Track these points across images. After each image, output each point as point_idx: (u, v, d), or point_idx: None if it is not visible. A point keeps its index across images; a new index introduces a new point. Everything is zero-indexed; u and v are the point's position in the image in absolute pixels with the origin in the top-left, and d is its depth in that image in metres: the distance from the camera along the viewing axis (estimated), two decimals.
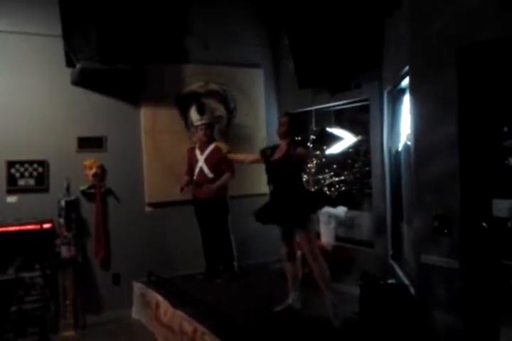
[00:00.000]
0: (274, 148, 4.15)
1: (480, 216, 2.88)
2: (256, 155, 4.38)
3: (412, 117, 3.35)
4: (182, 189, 4.97)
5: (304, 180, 5.44)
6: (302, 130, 4.19)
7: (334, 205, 5.15)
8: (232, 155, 4.92)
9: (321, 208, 4.38)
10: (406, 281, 3.87)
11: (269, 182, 4.06)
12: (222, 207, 5.01)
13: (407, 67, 3.52)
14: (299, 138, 5.74)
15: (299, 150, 3.90)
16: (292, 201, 3.86)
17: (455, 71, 2.98)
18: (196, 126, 5.14)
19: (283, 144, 4.04)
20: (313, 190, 5.38)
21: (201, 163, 5.03)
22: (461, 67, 2.96)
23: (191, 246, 5.32)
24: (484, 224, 2.84)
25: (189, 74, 5.63)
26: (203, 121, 5.07)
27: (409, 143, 3.78)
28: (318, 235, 5.31)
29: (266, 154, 4.14)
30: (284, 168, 3.92)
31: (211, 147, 5.05)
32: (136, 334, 4.68)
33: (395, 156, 4.57)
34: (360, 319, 3.51)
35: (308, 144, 5.54)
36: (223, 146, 5.05)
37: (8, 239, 4.53)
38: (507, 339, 2.74)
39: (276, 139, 4.24)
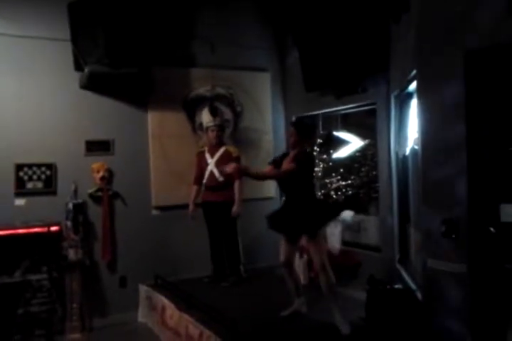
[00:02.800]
0: (283, 156, 4.08)
1: (487, 221, 2.87)
2: (268, 169, 4.08)
3: (420, 121, 3.34)
4: (193, 217, 5.06)
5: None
6: (313, 134, 4.09)
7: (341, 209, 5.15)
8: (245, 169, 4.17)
9: (333, 219, 4.31)
10: (413, 286, 3.85)
11: (281, 191, 4.05)
12: (231, 210, 4.99)
13: (414, 71, 3.52)
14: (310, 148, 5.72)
15: (299, 156, 3.84)
16: (305, 211, 3.81)
17: (463, 75, 2.98)
18: (207, 128, 5.13)
19: (292, 153, 3.99)
20: (321, 196, 5.37)
21: (211, 166, 5.03)
22: (469, 72, 2.96)
23: (198, 249, 5.32)
24: (492, 229, 2.83)
25: (196, 78, 5.64)
26: (216, 122, 5.08)
27: (416, 147, 3.77)
28: (324, 239, 5.32)
29: (277, 163, 4.03)
30: (293, 177, 3.88)
31: (221, 150, 5.06)
32: (142, 338, 4.68)
33: (402, 160, 4.56)
34: (367, 324, 3.50)
35: (315, 148, 5.55)
36: (233, 150, 5.05)
37: (16, 242, 4.54)
38: None
39: (282, 145, 4.22)
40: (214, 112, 5.12)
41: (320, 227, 3.88)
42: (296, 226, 3.83)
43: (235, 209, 4.88)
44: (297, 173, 3.78)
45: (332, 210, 4.27)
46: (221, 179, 4.96)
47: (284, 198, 4.07)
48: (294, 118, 5.39)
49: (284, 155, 4.10)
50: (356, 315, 3.69)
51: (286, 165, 3.84)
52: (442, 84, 3.12)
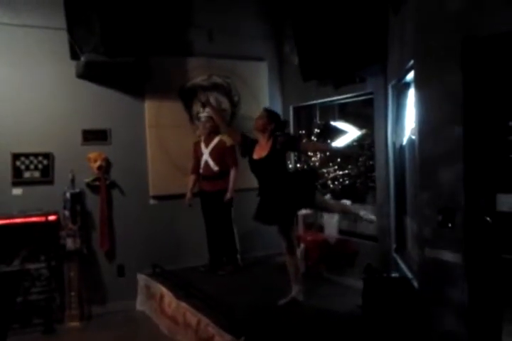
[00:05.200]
0: (253, 142, 4.13)
1: (484, 210, 2.88)
2: (237, 135, 4.31)
3: (417, 111, 3.35)
4: (190, 205, 5.09)
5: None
6: (280, 125, 4.13)
7: (338, 198, 5.17)
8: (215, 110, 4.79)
9: (307, 207, 4.60)
10: (409, 275, 3.89)
11: (258, 180, 4.08)
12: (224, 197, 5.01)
13: (412, 61, 3.51)
14: (302, 132, 5.79)
15: (281, 139, 3.93)
16: (289, 190, 3.92)
17: (460, 65, 2.97)
18: (200, 118, 5.19)
19: (262, 140, 4.04)
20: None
21: (206, 156, 5.05)
22: (467, 61, 2.96)
23: (195, 238, 5.36)
24: (488, 219, 2.85)
25: (193, 67, 5.62)
26: (206, 113, 5.10)
27: (413, 137, 3.78)
28: (321, 228, 5.36)
29: (246, 143, 4.15)
30: (272, 165, 3.96)
31: (216, 140, 5.06)
32: (141, 326, 4.72)
33: (399, 150, 4.57)
34: (363, 312, 3.54)
35: (312, 138, 5.56)
36: (227, 140, 5.06)
37: (14, 231, 4.57)
38: (509, 334, 2.76)
39: None
40: (206, 103, 5.13)
41: (293, 215, 4.18)
42: (274, 215, 3.96)
43: (227, 195, 4.91)
44: (277, 159, 3.95)
45: (309, 177, 4.34)
46: (216, 169, 4.98)
47: (262, 189, 4.07)
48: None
49: (253, 142, 4.12)
50: (353, 303, 3.73)
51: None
52: (440, 74, 3.12)
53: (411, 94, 3.97)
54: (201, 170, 5.10)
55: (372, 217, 4.48)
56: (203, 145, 5.11)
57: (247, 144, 4.14)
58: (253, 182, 5.27)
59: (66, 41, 4.80)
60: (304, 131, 5.91)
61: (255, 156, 4.03)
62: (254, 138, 4.16)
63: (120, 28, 4.59)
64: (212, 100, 5.22)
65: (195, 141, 5.26)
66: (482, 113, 2.93)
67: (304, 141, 5.49)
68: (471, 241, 2.94)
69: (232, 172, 4.97)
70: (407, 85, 4.19)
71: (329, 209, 4.57)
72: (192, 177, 5.18)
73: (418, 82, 3.38)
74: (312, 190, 4.10)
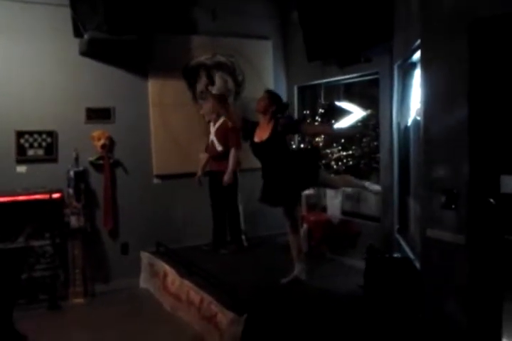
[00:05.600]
0: (253, 125, 4.11)
1: (488, 192, 2.88)
2: (238, 119, 4.28)
3: (423, 91, 3.31)
4: (200, 182, 5.06)
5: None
6: (282, 110, 4.12)
7: None
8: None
9: (312, 186, 4.64)
10: (411, 255, 3.91)
11: (261, 162, 4.09)
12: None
13: (418, 41, 3.46)
14: (307, 112, 5.76)
15: (282, 121, 3.93)
16: (292, 170, 3.93)
17: (467, 45, 2.93)
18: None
19: (263, 122, 4.02)
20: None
21: (212, 135, 5.06)
22: (473, 41, 2.91)
23: (198, 217, 5.39)
24: (492, 200, 2.85)
25: (196, 45, 5.56)
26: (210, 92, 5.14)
27: (418, 118, 3.76)
28: (324, 209, 5.37)
29: (247, 127, 4.13)
30: (274, 147, 3.95)
31: (221, 120, 5.04)
32: (144, 303, 4.77)
33: (404, 131, 4.55)
34: (365, 292, 3.57)
35: (317, 118, 5.52)
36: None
37: (19, 208, 4.59)
38: (511, 314, 2.78)
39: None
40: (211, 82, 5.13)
41: (298, 195, 4.22)
42: (279, 196, 3.97)
43: (225, 178, 4.88)
44: (279, 141, 3.94)
45: (312, 156, 4.37)
46: (220, 149, 4.98)
47: (265, 171, 4.07)
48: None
49: (253, 124, 4.11)
50: (355, 283, 3.76)
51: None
52: (446, 54, 3.08)
53: (417, 75, 3.93)
54: (208, 150, 5.12)
55: (377, 187, 4.51)
56: (211, 125, 5.12)
57: (248, 128, 4.13)
58: (257, 162, 5.27)
59: (69, 18, 4.75)
60: (308, 111, 5.88)
61: (256, 139, 4.03)
62: (256, 120, 4.14)
63: (124, 5, 4.53)
64: (218, 79, 5.18)
65: (208, 120, 5.25)
66: (488, 94, 2.90)
67: (308, 121, 5.46)
68: (474, 222, 2.94)
69: (232, 153, 4.93)
70: (413, 65, 4.14)
71: (333, 186, 4.55)
72: (204, 156, 5.19)
73: (424, 62, 3.33)
74: (315, 168, 4.10)
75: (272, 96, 4.11)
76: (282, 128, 3.89)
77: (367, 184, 4.44)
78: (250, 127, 4.11)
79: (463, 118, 2.96)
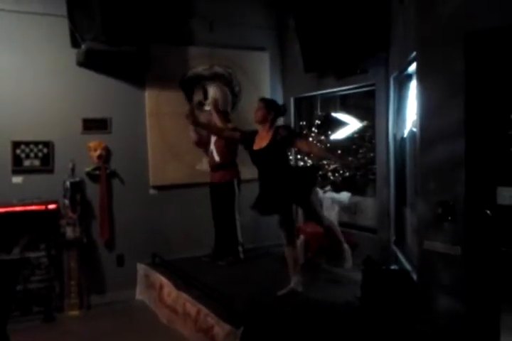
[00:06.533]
0: (252, 134, 4.10)
1: (484, 203, 2.89)
2: (235, 134, 4.25)
3: (419, 103, 3.34)
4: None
5: (308, 165, 5.46)
6: (281, 114, 4.15)
7: (338, 191, 5.16)
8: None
9: (317, 180, 4.51)
10: (408, 267, 3.90)
11: (258, 170, 4.06)
12: (228, 191, 5.00)
13: (414, 53, 3.50)
14: (303, 123, 5.78)
15: (282, 132, 3.92)
16: (288, 182, 3.90)
17: (463, 57, 2.96)
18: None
19: (263, 131, 4.02)
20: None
21: (212, 145, 5.08)
22: (469, 54, 2.94)
23: (194, 229, 5.38)
24: (488, 212, 2.86)
25: (194, 56, 5.59)
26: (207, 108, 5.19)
27: (414, 129, 3.78)
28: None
29: (246, 138, 4.11)
30: (273, 155, 3.94)
31: None
32: (140, 315, 4.73)
33: (400, 142, 4.57)
34: (362, 303, 3.55)
35: (313, 129, 5.54)
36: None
37: (14, 219, 4.56)
38: (507, 326, 2.78)
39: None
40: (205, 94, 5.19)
41: (309, 190, 4.02)
42: (286, 198, 3.93)
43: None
44: (277, 149, 3.93)
45: (312, 172, 4.35)
46: (217, 159, 4.99)
47: (262, 180, 4.05)
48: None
49: (253, 133, 4.11)
50: (351, 295, 3.74)
51: (302, 142, 4.03)
52: (442, 66, 3.11)
53: (413, 86, 3.96)
54: (208, 160, 5.14)
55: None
56: (212, 135, 5.13)
57: (247, 138, 4.11)
58: (256, 173, 5.23)
59: (67, 28, 4.77)
60: (304, 122, 5.90)
61: (255, 147, 4.02)
62: (255, 129, 4.15)
63: (121, 16, 4.57)
64: (212, 92, 5.22)
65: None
66: (484, 106, 2.92)
67: (305, 132, 5.46)
68: (471, 234, 2.95)
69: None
70: (409, 77, 4.17)
71: (318, 218, 4.20)
72: (200, 167, 5.30)
73: (420, 73, 3.37)
74: (310, 184, 4.06)
75: (267, 103, 4.09)
76: (281, 139, 3.90)
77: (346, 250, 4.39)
78: (249, 136, 4.10)
79: (459, 129, 2.98)
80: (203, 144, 5.21)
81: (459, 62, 2.98)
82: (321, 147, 3.90)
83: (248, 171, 4.93)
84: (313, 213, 4.14)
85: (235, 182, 5.02)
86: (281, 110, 4.16)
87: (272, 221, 4.30)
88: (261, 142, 3.99)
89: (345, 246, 4.36)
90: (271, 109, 4.04)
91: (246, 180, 5.09)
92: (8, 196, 4.63)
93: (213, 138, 5.07)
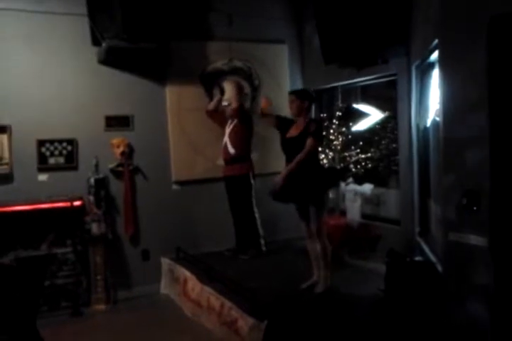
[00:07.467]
0: (290, 122, 4.14)
1: (510, 193, 2.82)
2: (272, 119, 4.30)
3: (442, 92, 3.27)
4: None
5: (330, 157, 5.42)
6: (311, 96, 4.14)
7: (360, 182, 5.12)
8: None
9: (335, 185, 4.55)
10: (433, 259, 3.85)
11: (286, 157, 4.07)
12: (245, 184, 5.00)
13: (436, 41, 3.43)
14: (324, 115, 5.72)
15: (311, 126, 3.92)
16: (307, 178, 3.88)
17: (486, 43, 2.89)
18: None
19: (300, 120, 4.05)
20: (331, 166, 5.33)
21: (226, 137, 5.07)
22: (493, 40, 2.87)
23: (217, 223, 5.40)
24: None
25: (213, 51, 5.59)
26: (225, 103, 5.16)
27: (437, 118, 3.71)
28: (343, 212, 5.33)
29: (280, 124, 4.16)
30: (300, 145, 3.92)
31: (234, 122, 5.05)
32: (165, 309, 4.78)
33: (423, 132, 4.50)
34: (386, 296, 3.52)
35: (334, 121, 5.49)
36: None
37: (41, 216, 4.65)
38: None
39: None
40: (221, 91, 5.20)
41: (322, 193, 3.98)
42: (300, 192, 3.91)
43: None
44: (305, 141, 3.90)
45: (334, 176, 4.34)
46: (232, 151, 4.99)
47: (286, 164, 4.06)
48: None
49: (290, 122, 4.13)
50: (375, 287, 3.71)
51: (309, 141, 3.89)
52: (465, 53, 3.03)
53: (435, 75, 3.88)
54: (222, 153, 5.12)
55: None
56: (226, 126, 5.13)
57: (283, 124, 4.16)
58: (276, 166, 5.20)
59: (87, 27, 4.82)
60: (325, 114, 5.86)
61: (287, 135, 4.07)
62: (292, 118, 4.18)
63: (141, 13, 4.58)
64: (227, 88, 5.20)
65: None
66: (508, 92, 2.84)
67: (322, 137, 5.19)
68: (497, 224, 2.88)
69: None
70: (431, 65, 4.09)
71: (317, 223, 3.95)
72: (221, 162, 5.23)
73: (443, 62, 3.30)
74: (327, 186, 4.10)
75: (297, 94, 4.10)
76: (310, 132, 3.90)
77: None
78: (286, 123, 4.15)
79: (483, 118, 2.91)
80: (213, 116, 5.23)
81: (482, 49, 2.90)
82: (306, 152, 3.81)
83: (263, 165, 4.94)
84: (314, 213, 3.95)
85: (251, 175, 5.02)
86: (313, 97, 4.20)
87: (291, 213, 4.28)
88: (293, 131, 4.03)
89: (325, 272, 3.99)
90: (304, 98, 4.05)
91: (261, 174, 5.15)
92: (33, 194, 4.71)
93: (227, 129, 5.07)
